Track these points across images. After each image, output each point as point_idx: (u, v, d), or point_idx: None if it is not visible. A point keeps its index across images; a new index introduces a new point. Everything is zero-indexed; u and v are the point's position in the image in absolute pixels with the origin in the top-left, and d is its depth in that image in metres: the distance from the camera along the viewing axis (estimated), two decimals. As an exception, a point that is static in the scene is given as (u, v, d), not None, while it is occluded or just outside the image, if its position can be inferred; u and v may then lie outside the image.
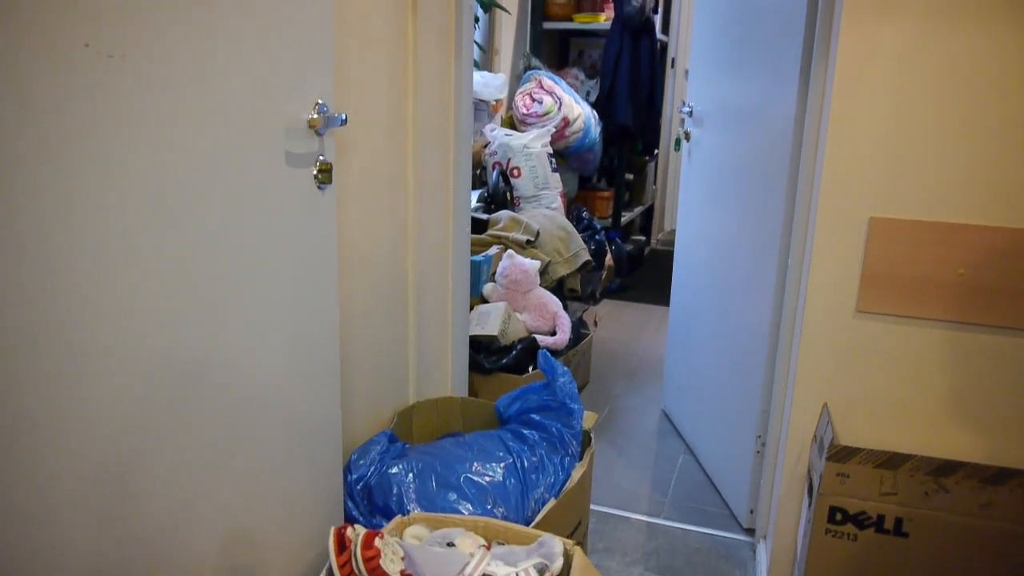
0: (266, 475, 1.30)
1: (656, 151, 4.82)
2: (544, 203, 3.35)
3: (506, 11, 3.65)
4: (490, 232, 2.89)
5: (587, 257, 3.01)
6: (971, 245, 1.53)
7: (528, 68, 3.78)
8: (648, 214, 5.28)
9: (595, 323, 3.68)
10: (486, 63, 3.62)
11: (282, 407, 1.32)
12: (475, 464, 1.66)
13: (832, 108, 1.58)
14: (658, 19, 4.28)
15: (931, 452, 1.62)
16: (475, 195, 3.25)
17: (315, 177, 1.31)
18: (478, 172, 3.39)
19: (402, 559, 1.23)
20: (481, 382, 2.40)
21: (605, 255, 3.48)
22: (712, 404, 2.37)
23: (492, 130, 3.38)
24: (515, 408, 1.86)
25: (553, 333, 2.70)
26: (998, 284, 1.53)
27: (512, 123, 3.64)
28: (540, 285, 2.75)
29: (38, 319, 0.87)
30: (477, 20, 3.30)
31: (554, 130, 3.50)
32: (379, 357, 1.82)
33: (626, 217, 4.43)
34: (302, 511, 1.42)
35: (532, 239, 2.87)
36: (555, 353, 2.64)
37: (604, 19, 3.97)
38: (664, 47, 4.73)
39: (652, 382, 3.13)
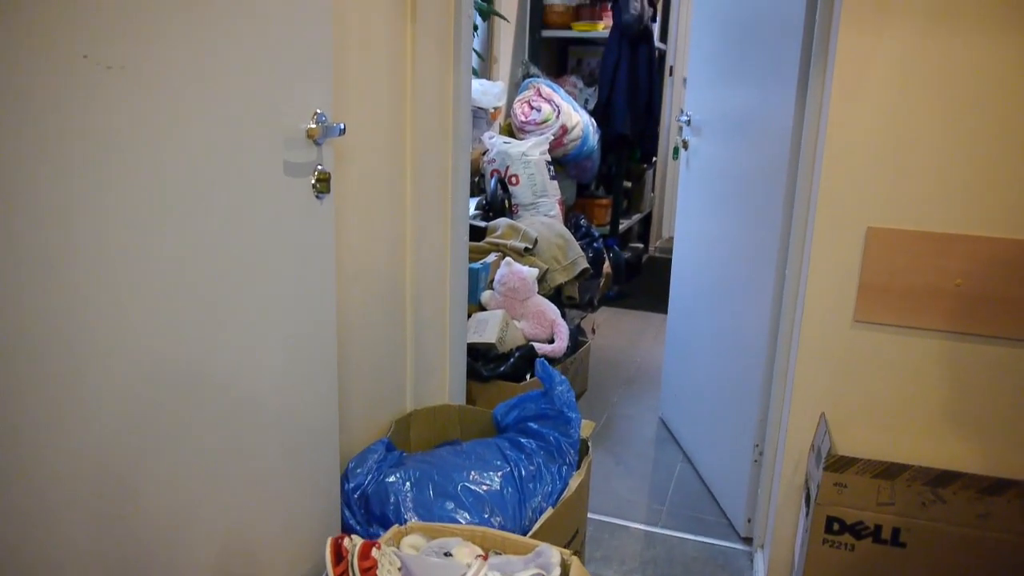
0: (263, 483, 1.30)
1: (654, 159, 4.83)
2: (542, 210, 3.35)
3: (505, 19, 3.66)
4: (488, 240, 2.89)
5: (585, 265, 3.01)
6: (969, 255, 1.54)
7: (527, 76, 3.79)
8: (646, 221, 5.28)
9: (593, 331, 3.68)
10: (485, 71, 3.63)
11: (279, 415, 1.32)
12: (472, 473, 1.65)
13: (830, 117, 1.58)
14: (656, 27, 4.29)
15: (928, 462, 1.62)
16: (473, 202, 3.25)
17: (313, 186, 1.31)
18: (476, 179, 3.40)
19: (399, 570, 1.23)
20: (479, 389, 2.40)
21: (603, 262, 3.49)
22: (710, 413, 2.37)
23: (490, 138, 3.39)
24: (513, 416, 1.86)
25: (551, 341, 2.70)
26: (996, 294, 1.53)
27: (510, 131, 3.65)
28: (538, 293, 2.75)
29: (39, 325, 0.87)
30: (476, 28, 3.31)
31: (552, 138, 3.50)
32: (377, 365, 1.81)
33: (624, 224, 4.44)
34: (299, 520, 1.42)
35: (530, 246, 2.87)
36: (553, 361, 2.64)
37: (602, 27, 3.98)
38: (662, 55, 4.74)
39: (650, 390, 3.13)
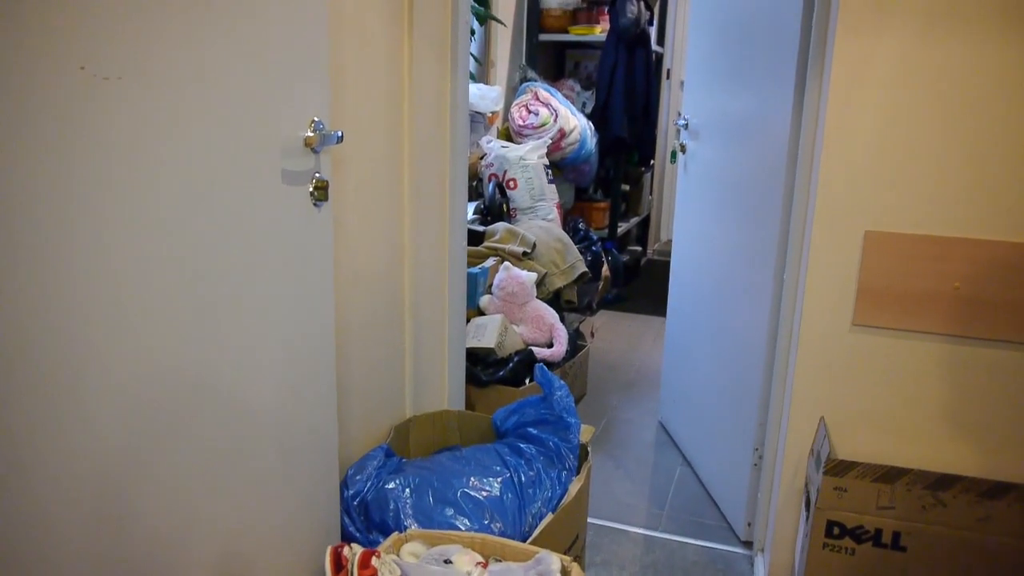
0: (261, 490, 1.29)
1: (652, 162, 4.84)
2: (540, 214, 3.35)
3: (502, 23, 3.67)
4: (486, 244, 2.89)
5: (584, 268, 3.01)
6: (967, 258, 1.54)
7: (524, 80, 3.79)
8: (644, 224, 5.28)
9: (592, 334, 3.68)
10: (482, 75, 3.63)
11: (278, 422, 1.32)
12: (472, 479, 1.65)
13: (827, 121, 1.58)
14: (653, 31, 4.29)
15: (928, 466, 1.62)
16: (471, 207, 3.25)
17: (311, 194, 1.31)
18: (474, 184, 3.40)
19: (399, 577, 1.23)
20: (478, 394, 2.39)
21: (602, 266, 3.49)
22: (709, 416, 2.37)
23: (488, 142, 3.39)
24: (512, 422, 1.86)
25: (550, 345, 2.70)
26: (994, 297, 1.54)
27: (508, 135, 3.65)
28: (537, 297, 2.75)
29: (39, 331, 0.87)
30: (473, 33, 3.31)
31: (550, 142, 3.51)
32: (376, 370, 1.81)
33: (622, 228, 4.44)
34: (298, 527, 1.41)
35: (528, 251, 2.87)
36: (552, 365, 2.64)
37: (599, 31, 3.98)
38: (659, 59, 4.75)
39: (649, 393, 3.13)
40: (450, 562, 1.33)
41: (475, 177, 3.40)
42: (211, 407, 1.15)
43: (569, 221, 3.59)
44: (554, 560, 1.32)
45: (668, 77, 5.11)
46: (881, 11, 1.50)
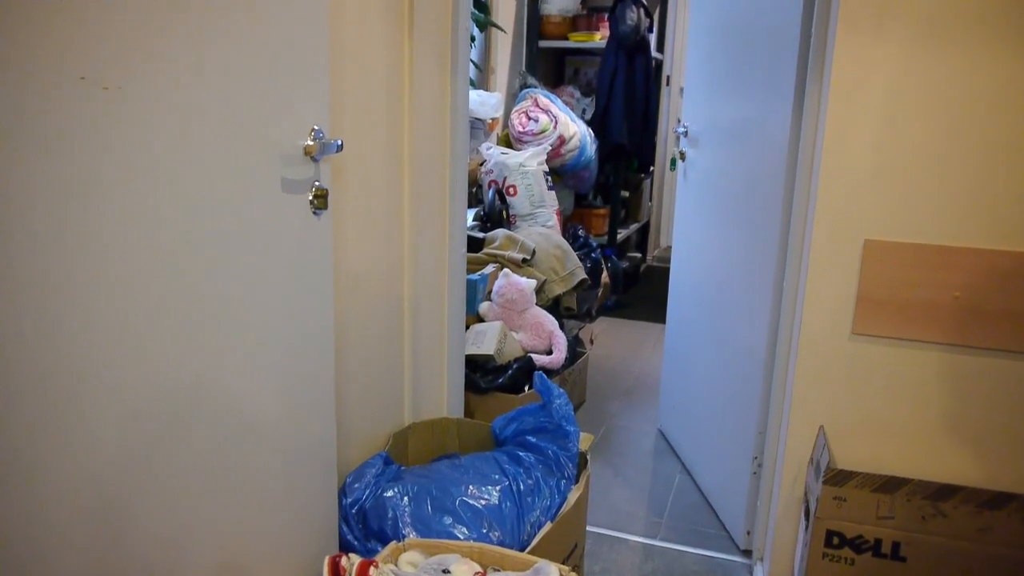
0: (260, 497, 1.29)
1: (652, 168, 4.84)
2: (540, 221, 3.35)
3: (502, 30, 3.67)
4: (486, 251, 2.89)
5: (583, 275, 3.01)
6: (967, 268, 1.54)
7: (524, 86, 3.80)
8: (644, 231, 5.29)
9: (591, 341, 3.68)
10: (482, 82, 3.64)
11: (276, 429, 1.31)
12: (471, 487, 1.65)
13: (827, 129, 1.58)
14: (653, 38, 4.30)
15: (928, 475, 1.62)
16: (471, 213, 3.25)
17: (311, 203, 1.31)
18: (474, 190, 3.40)
19: (397, 587, 1.22)
20: (477, 401, 2.39)
21: (601, 272, 3.49)
22: (708, 424, 2.37)
23: (488, 148, 3.39)
24: (511, 430, 1.86)
25: (549, 352, 2.70)
26: (994, 307, 1.53)
27: (508, 141, 3.65)
28: (536, 304, 2.74)
29: (40, 343, 0.87)
30: (473, 39, 3.32)
31: (550, 148, 3.51)
32: (375, 377, 1.81)
33: (622, 234, 4.44)
34: (296, 535, 1.41)
35: (528, 257, 2.87)
36: (551, 372, 2.64)
37: (599, 38, 3.99)
38: (659, 65, 4.76)
39: (648, 401, 3.12)
40: (448, 572, 1.32)
41: (475, 183, 3.40)
42: (210, 414, 1.15)
43: (569, 228, 3.59)
44: (553, 570, 1.32)
45: (668, 84, 5.12)
46: (881, 18, 1.50)
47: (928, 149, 1.53)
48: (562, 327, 2.80)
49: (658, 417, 2.90)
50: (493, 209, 3.25)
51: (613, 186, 4.24)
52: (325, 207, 1.33)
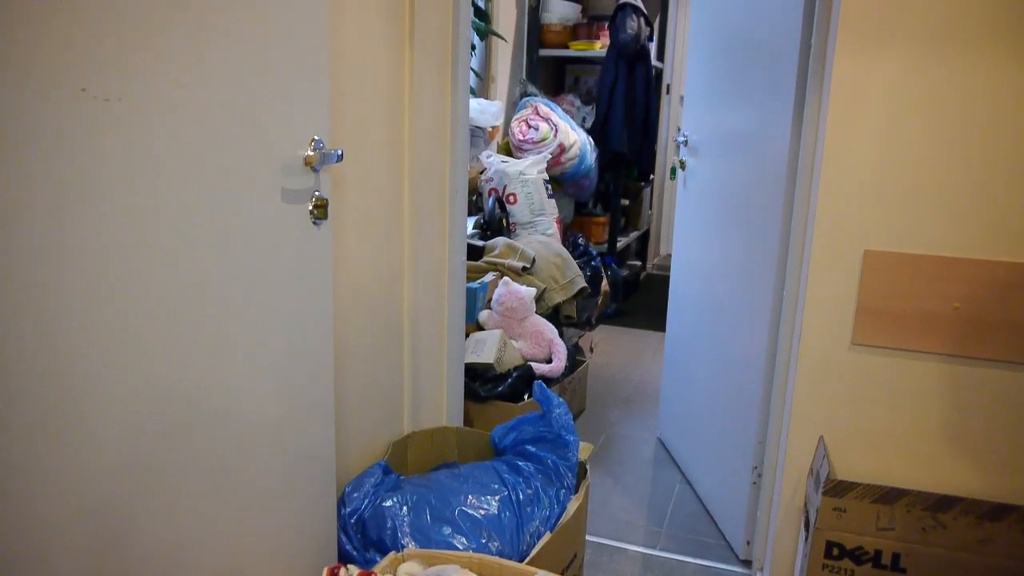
0: (259, 506, 1.29)
1: (652, 176, 4.85)
2: (540, 229, 3.36)
3: (502, 39, 3.68)
4: (486, 259, 2.89)
5: (583, 284, 3.01)
6: (966, 279, 1.54)
7: (524, 95, 3.81)
8: (644, 239, 5.29)
9: (591, 349, 3.68)
10: (482, 90, 3.65)
11: (276, 437, 1.31)
12: (470, 497, 1.64)
13: (826, 139, 1.59)
14: (653, 47, 4.32)
15: (928, 486, 1.62)
16: (471, 222, 3.25)
17: (311, 213, 1.31)
18: (474, 199, 3.40)
19: (396, 598, 1.22)
20: (476, 410, 2.39)
21: (601, 281, 3.49)
22: (708, 434, 2.37)
23: (488, 157, 3.40)
24: (510, 439, 1.85)
25: (549, 360, 2.70)
26: (994, 317, 1.53)
27: (508, 150, 3.66)
28: (536, 312, 2.74)
29: (41, 350, 0.87)
30: (473, 48, 3.33)
31: (550, 156, 3.51)
32: (374, 386, 1.81)
33: (622, 242, 4.44)
34: (295, 544, 1.40)
35: (528, 266, 2.87)
36: (551, 380, 2.64)
37: (599, 47, 4.00)
38: (659, 74, 4.77)
39: (648, 409, 3.12)
40: (447, 582, 1.32)
41: (475, 192, 3.41)
42: (209, 422, 1.15)
43: (569, 236, 3.60)
44: (552, 581, 1.31)
45: (668, 92, 5.13)
46: (881, 28, 1.51)
47: (928, 160, 1.53)
48: (562, 335, 2.80)
49: (658, 426, 2.90)
50: (493, 217, 3.25)
51: (613, 194, 4.25)
52: (325, 217, 1.34)
